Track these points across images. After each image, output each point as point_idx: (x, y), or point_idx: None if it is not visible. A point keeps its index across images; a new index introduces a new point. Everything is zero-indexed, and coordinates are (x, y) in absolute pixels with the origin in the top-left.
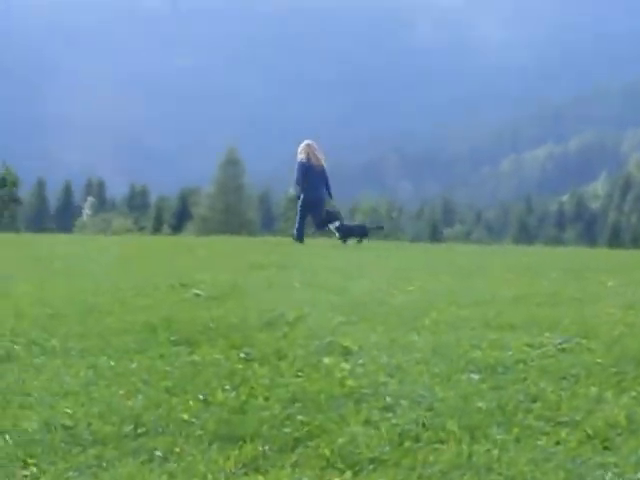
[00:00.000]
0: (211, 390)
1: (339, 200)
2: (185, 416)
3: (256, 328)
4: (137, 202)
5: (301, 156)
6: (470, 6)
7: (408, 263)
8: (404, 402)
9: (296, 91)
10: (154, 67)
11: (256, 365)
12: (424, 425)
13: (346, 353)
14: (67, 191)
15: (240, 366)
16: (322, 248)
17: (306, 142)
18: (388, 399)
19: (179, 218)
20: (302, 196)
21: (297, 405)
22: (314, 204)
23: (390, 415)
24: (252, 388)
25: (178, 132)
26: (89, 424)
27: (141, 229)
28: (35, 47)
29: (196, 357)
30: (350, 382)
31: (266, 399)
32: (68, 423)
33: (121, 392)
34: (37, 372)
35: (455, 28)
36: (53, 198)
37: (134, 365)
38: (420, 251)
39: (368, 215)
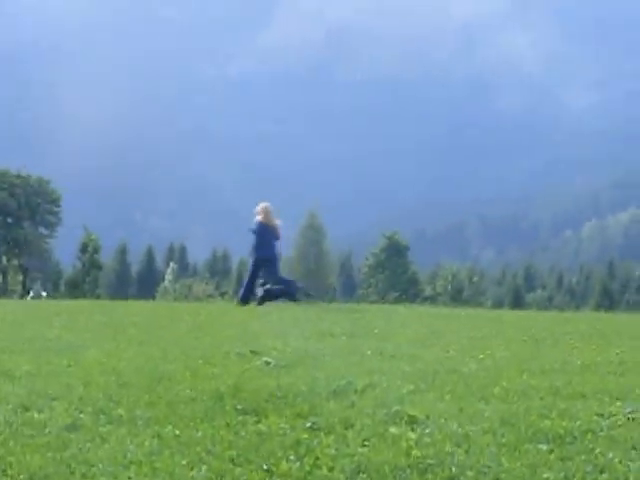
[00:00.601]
0: (276, 460)
1: (421, 265)
2: None
3: (324, 397)
4: (219, 267)
5: (259, 217)
6: (551, 71)
7: (482, 331)
8: (470, 473)
9: (377, 157)
10: (237, 132)
11: (322, 434)
12: None
13: (413, 422)
14: (149, 256)
15: (306, 435)
16: (398, 316)
17: (263, 204)
18: (454, 469)
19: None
20: (255, 256)
21: (361, 476)
22: (267, 261)
23: None
24: (317, 458)
25: (258, 197)
26: None
27: (222, 294)
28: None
29: (262, 426)
30: (416, 452)
31: (330, 469)
32: None
33: (185, 462)
34: (102, 441)
35: (536, 93)
36: (135, 263)
37: (199, 434)
38: (495, 318)
39: (448, 282)
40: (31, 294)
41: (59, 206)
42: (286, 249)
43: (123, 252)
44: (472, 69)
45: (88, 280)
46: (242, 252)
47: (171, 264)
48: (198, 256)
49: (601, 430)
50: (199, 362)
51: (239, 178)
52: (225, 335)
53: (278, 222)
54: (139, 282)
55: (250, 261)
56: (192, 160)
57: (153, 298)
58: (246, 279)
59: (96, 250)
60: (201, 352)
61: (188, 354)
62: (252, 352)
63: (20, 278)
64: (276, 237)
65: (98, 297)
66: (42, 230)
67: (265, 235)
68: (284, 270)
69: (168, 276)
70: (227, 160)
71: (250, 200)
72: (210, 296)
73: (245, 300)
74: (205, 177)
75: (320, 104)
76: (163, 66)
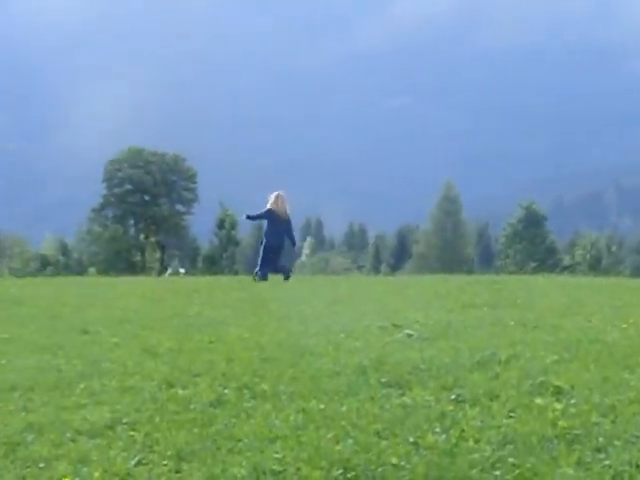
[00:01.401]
0: (421, 433)
1: (558, 234)
2: (394, 460)
3: (467, 368)
4: (355, 241)
5: (269, 205)
6: None
7: (623, 299)
8: (617, 443)
9: (511, 125)
10: (366, 107)
11: (467, 406)
12: (638, 466)
13: (558, 393)
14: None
15: (451, 408)
16: (538, 286)
17: (276, 193)
18: (601, 440)
19: (397, 256)
20: (264, 241)
21: (508, 447)
22: (273, 250)
23: (603, 456)
24: (463, 430)
25: (393, 170)
26: (298, 469)
27: (359, 268)
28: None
29: (406, 399)
30: (562, 423)
31: (477, 441)
32: (277, 468)
33: (330, 436)
34: (247, 416)
35: None
36: None
37: (344, 408)
38: (636, 287)
39: (587, 251)
40: (169, 271)
41: (195, 182)
42: (423, 221)
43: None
44: (602, 35)
45: (225, 256)
46: (378, 226)
47: (308, 238)
48: (334, 231)
49: None
50: (341, 336)
51: (368, 152)
52: (365, 309)
53: (287, 210)
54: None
55: (262, 244)
56: (321, 135)
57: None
58: (260, 260)
59: (233, 226)
60: (342, 326)
61: (329, 328)
62: (394, 325)
63: (158, 255)
64: (283, 227)
65: (236, 273)
66: (179, 207)
67: (272, 222)
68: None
69: (305, 250)
70: (355, 135)
71: (380, 175)
72: (347, 269)
73: (265, 277)
74: (334, 151)
75: (450, 76)
76: (293, 41)
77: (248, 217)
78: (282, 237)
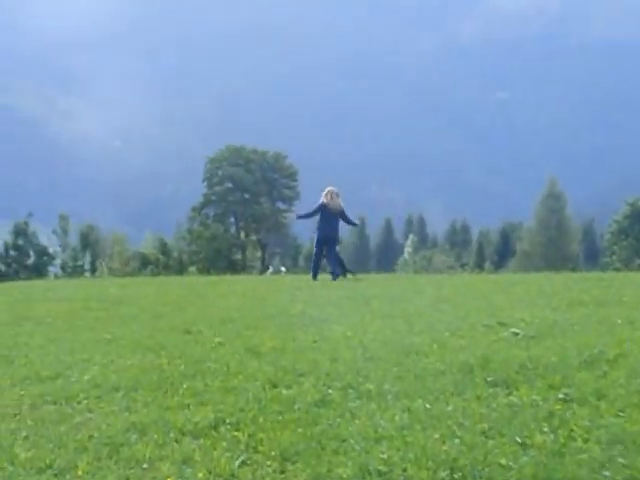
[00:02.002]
0: (529, 432)
1: None
2: (502, 460)
3: (575, 367)
4: (458, 238)
5: (322, 199)
6: None
7: None
8: None
9: (614, 118)
10: (464, 101)
11: (575, 406)
12: None
13: None
14: (388, 229)
15: (558, 407)
16: None
17: (328, 189)
18: None
19: (501, 254)
20: (316, 234)
21: (617, 447)
22: (325, 241)
23: None
24: (571, 430)
25: (493, 165)
26: (404, 469)
27: (463, 266)
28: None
29: (513, 398)
30: None
31: (585, 441)
32: (383, 469)
33: (436, 436)
34: (352, 416)
35: None
36: (374, 236)
37: (450, 408)
38: None
39: None
40: (270, 269)
41: (296, 180)
42: (526, 218)
43: (361, 225)
44: None
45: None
46: (481, 222)
47: (410, 236)
48: (436, 228)
49: None
50: (445, 334)
51: (467, 147)
52: (470, 307)
53: (340, 203)
54: (378, 255)
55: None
56: (421, 129)
57: (393, 271)
58: (313, 255)
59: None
60: (447, 324)
61: (434, 326)
62: (499, 323)
63: (259, 254)
64: (335, 219)
65: None
66: (280, 205)
67: (325, 216)
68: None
69: (407, 248)
70: (458, 129)
71: (481, 170)
72: (450, 267)
73: (314, 275)
74: (433, 146)
75: (547, 69)
76: (391, 35)
77: (299, 217)
78: (335, 229)
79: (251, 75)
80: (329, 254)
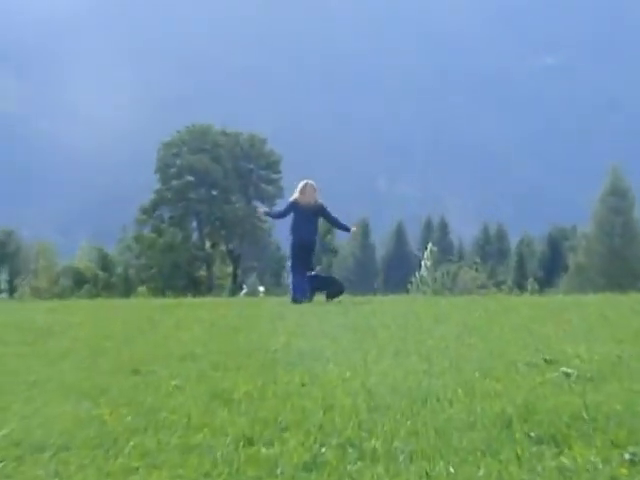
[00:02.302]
0: None
1: None
2: None
3: None
4: (492, 248)
5: (293, 196)
6: None
7: None
8: None
9: None
10: (510, 68)
11: None
12: None
13: None
14: (399, 235)
15: (624, 471)
16: None
17: (304, 182)
18: None
19: (548, 269)
20: (290, 240)
21: None
22: (302, 247)
23: None
24: None
25: (539, 152)
26: None
27: (498, 285)
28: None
29: (565, 460)
30: None
31: None
32: None
33: None
34: None
35: None
36: (380, 245)
37: (481, 472)
38: None
39: None
40: (245, 289)
41: (279, 172)
42: (581, 221)
43: (365, 231)
44: None
45: (319, 269)
46: (522, 228)
47: (429, 245)
48: (463, 234)
49: None
50: (475, 375)
51: (508, 129)
52: (507, 339)
53: (318, 199)
54: (387, 270)
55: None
56: (443, 106)
57: (406, 292)
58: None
59: (327, 229)
60: (477, 362)
61: (460, 365)
62: (546, 361)
63: (229, 269)
64: (312, 216)
65: None
66: (257, 204)
67: (298, 216)
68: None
69: (425, 261)
70: (492, 104)
71: (527, 159)
72: (482, 287)
73: (295, 297)
74: (462, 129)
75: (611, 31)
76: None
77: (267, 214)
78: (310, 233)
79: (229, 38)
80: (304, 265)
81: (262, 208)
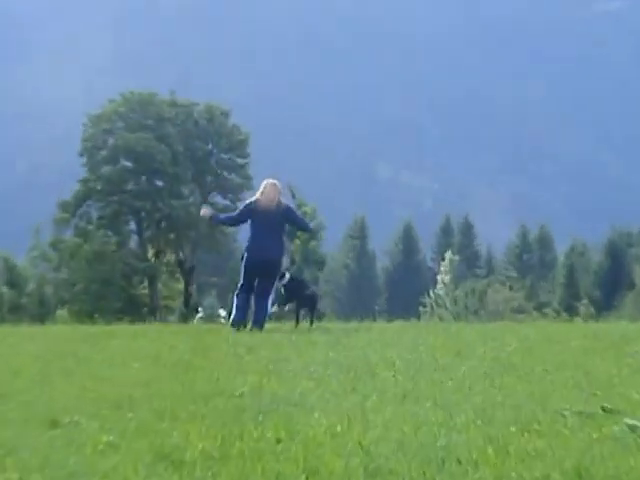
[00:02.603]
0: None
1: None
2: None
3: None
4: (532, 259)
5: (251, 198)
6: None
7: None
8: None
9: None
10: (559, 18)
11: None
12: None
13: None
14: (408, 241)
15: None
16: None
17: (265, 182)
18: None
19: (608, 286)
20: (244, 256)
21: None
22: (256, 265)
23: None
24: None
25: (593, 129)
26: None
27: (540, 307)
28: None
29: None
30: None
31: None
32: None
33: None
34: None
35: None
36: (384, 253)
37: None
38: None
39: None
40: (200, 313)
41: (246, 155)
42: None
43: (361, 234)
44: None
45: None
46: (573, 232)
47: (448, 254)
48: (493, 240)
49: None
50: (509, 429)
51: (552, 95)
52: (552, 380)
53: (282, 200)
54: (391, 287)
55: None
56: (469, 70)
57: (417, 316)
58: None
59: (312, 232)
60: (512, 411)
61: (489, 415)
62: (605, 410)
63: (180, 285)
64: (276, 227)
65: (322, 315)
66: (217, 200)
67: (256, 223)
68: None
69: (443, 276)
70: (531, 64)
71: (578, 138)
72: (519, 310)
73: (235, 321)
74: (488, 98)
75: None
76: None
77: (217, 221)
78: (275, 246)
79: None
80: (261, 288)
81: (207, 209)
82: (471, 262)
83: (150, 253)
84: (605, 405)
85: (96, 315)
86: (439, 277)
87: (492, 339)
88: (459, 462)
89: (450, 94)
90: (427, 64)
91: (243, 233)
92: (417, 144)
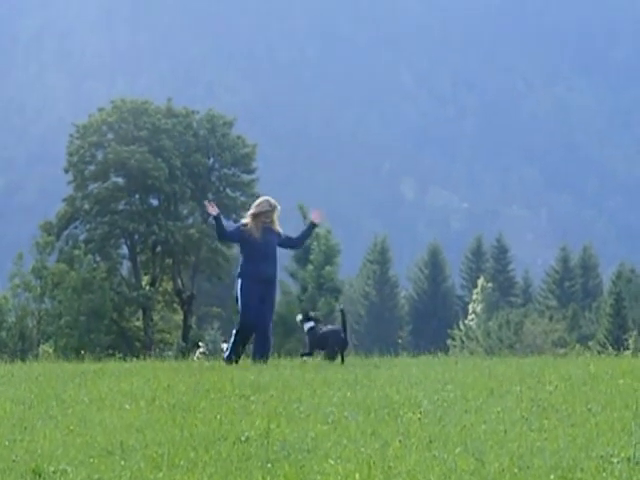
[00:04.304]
0: None
1: None
2: None
3: None
4: (575, 285)
5: (245, 219)
6: None
7: None
8: None
9: None
10: None
11: None
12: None
13: None
14: (435, 265)
15: None
16: None
17: (260, 200)
18: None
19: None
20: (239, 282)
21: None
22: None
23: None
24: None
25: None
26: None
27: (585, 340)
28: None
29: None
30: None
31: None
32: None
33: None
34: None
35: None
36: (406, 279)
37: None
38: None
39: None
40: (201, 349)
41: (253, 172)
42: None
43: (383, 257)
44: None
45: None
46: (621, 253)
47: (480, 281)
48: (530, 264)
49: None
50: (550, 479)
51: (600, 97)
52: (598, 423)
53: (276, 226)
54: (416, 316)
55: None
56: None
57: (445, 350)
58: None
59: (328, 255)
60: (553, 457)
61: (527, 462)
62: None
63: (179, 317)
64: (270, 254)
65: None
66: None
67: (248, 249)
68: None
69: (474, 305)
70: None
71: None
72: (560, 344)
73: (229, 358)
74: (532, 105)
75: None
76: None
77: (217, 222)
78: (270, 275)
79: None
80: (262, 313)
81: (214, 206)
82: (506, 290)
83: (144, 281)
84: None
85: (84, 351)
86: (470, 306)
87: (530, 376)
88: None
89: (482, 99)
90: (457, 65)
91: None
92: (445, 157)
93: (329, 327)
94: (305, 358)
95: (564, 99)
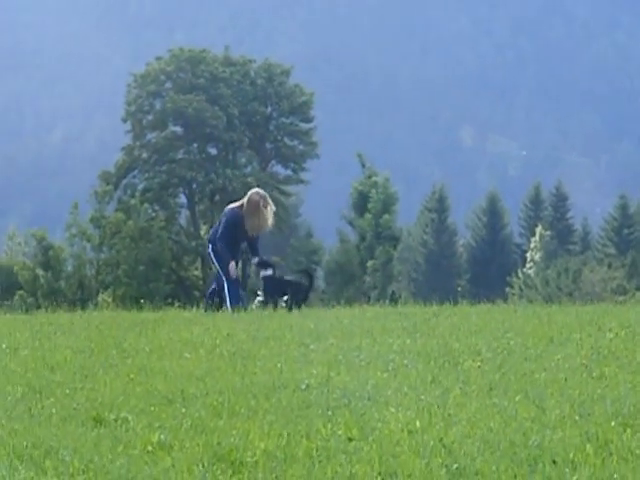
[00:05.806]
0: None
1: None
2: None
3: None
4: (636, 233)
5: (236, 204)
6: None
7: None
8: None
9: None
10: None
11: None
12: None
13: None
14: (492, 212)
15: None
16: None
17: (254, 190)
18: None
19: None
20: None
21: None
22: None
23: None
24: None
25: None
26: None
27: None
28: None
29: None
30: None
31: None
32: None
33: None
34: None
35: None
36: (465, 227)
37: None
38: None
39: None
40: (259, 297)
41: (310, 120)
42: None
43: (441, 206)
44: None
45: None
46: None
47: (539, 229)
48: (589, 212)
49: None
50: (611, 425)
51: None
52: None
53: (267, 219)
54: (474, 264)
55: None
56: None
57: (504, 297)
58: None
59: (386, 204)
60: (614, 405)
61: (587, 409)
62: None
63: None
64: (248, 238)
65: (394, 297)
66: (277, 169)
67: (232, 231)
68: None
69: (533, 253)
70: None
71: None
72: (619, 292)
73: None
74: (594, 50)
75: None
76: None
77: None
78: (238, 252)
79: None
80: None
81: (235, 268)
82: (564, 238)
83: (203, 230)
84: None
85: (143, 300)
86: (528, 255)
87: (589, 324)
88: (554, 462)
89: (541, 46)
90: (516, 11)
91: (309, 206)
92: (504, 104)
93: (290, 278)
94: (257, 304)
95: (624, 46)
